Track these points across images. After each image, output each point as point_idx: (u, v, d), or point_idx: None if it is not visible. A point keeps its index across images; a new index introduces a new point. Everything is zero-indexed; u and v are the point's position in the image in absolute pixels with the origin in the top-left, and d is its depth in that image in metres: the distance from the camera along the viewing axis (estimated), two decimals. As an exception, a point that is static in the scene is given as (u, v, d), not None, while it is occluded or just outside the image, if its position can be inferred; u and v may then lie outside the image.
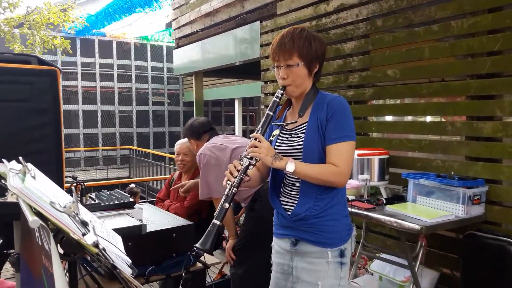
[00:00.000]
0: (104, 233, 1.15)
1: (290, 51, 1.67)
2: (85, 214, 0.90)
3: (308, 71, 1.71)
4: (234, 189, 1.62)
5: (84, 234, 0.74)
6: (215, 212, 1.64)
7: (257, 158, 1.65)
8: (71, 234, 0.77)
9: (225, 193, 1.63)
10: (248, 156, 1.64)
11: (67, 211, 0.76)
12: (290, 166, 1.60)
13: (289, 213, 1.74)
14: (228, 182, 1.64)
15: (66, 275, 1.27)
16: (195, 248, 1.58)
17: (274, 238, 1.90)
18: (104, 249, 0.74)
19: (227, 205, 1.61)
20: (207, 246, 1.55)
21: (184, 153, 3.43)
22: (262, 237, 2.69)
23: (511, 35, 2.44)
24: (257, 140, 1.64)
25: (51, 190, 1.08)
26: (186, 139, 3.53)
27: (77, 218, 0.75)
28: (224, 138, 2.93)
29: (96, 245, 0.72)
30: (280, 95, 1.73)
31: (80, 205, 1.06)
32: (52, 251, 0.83)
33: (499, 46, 2.48)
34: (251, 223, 2.79)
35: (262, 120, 1.73)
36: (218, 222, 1.59)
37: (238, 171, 1.64)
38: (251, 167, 1.65)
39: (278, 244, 1.85)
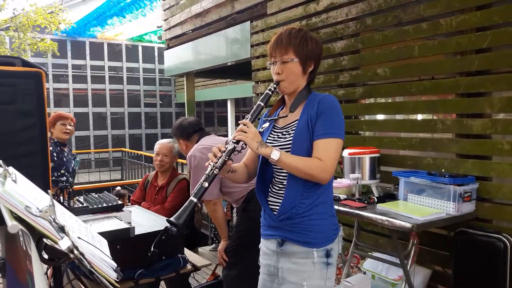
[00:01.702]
0: (89, 237, 1.13)
1: (286, 47, 1.70)
2: (62, 218, 0.88)
3: (302, 69, 1.73)
4: (216, 170, 1.62)
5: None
6: (193, 190, 1.63)
7: (243, 145, 1.65)
8: (49, 239, 0.75)
9: (206, 172, 1.63)
10: (234, 140, 1.64)
11: (43, 215, 0.74)
12: (275, 154, 1.60)
13: (275, 212, 1.73)
14: (211, 163, 1.64)
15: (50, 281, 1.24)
16: (168, 225, 1.55)
17: (261, 239, 1.89)
18: (82, 254, 0.72)
19: (206, 184, 1.61)
20: (180, 221, 1.52)
21: (164, 153, 3.42)
22: (255, 238, 2.67)
23: (499, 32, 2.45)
24: (245, 125, 1.65)
25: (33, 194, 1.05)
26: (167, 140, 3.53)
27: (53, 223, 0.73)
28: (214, 139, 2.92)
29: (71, 250, 0.70)
30: (273, 89, 1.75)
31: (60, 209, 1.03)
32: (32, 255, 0.81)
33: (487, 44, 2.49)
34: (244, 224, 2.78)
35: (252, 110, 1.75)
36: (195, 200, 1.59)
37: (222, 152, 1.64)
38: (235, 152, 1.65)
39: (265, 245, 1.85)
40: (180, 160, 10.72)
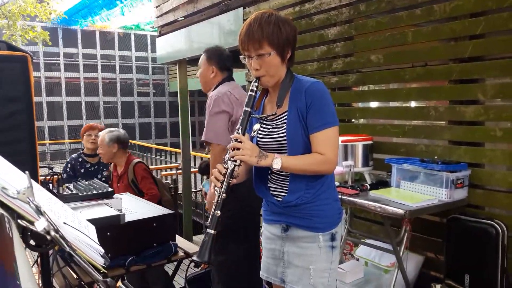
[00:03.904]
0: (75, 222, 1.11)
1: (259, 40, 1.60)
2: (48, 200, 0.86)
3: (281, 59, 1.65)
4: (223, 195, 1.58)
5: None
6: (208, 222, 1.59)
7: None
8: (25, 221, 0.73)
9: (215, 201, 1.58)
10: (232, 159, 1.59)
11: (20, 197, 0.72)
12: (277, 163, 1.57)
13: (279, 199, 1.72)
14: (216, 188, 1.60)
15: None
16: (193, 262, 1.55)
17: (263, 224, 1.88)
18: (62, 237, 0.71)
19: (218, 212, 1.56)
20: (205, 258, 1.51)
21: (100, 147, 3.43)
22: (241, 221, 2.64)
23: (493, 18, 2.43)
24: (238, 140, 1.59)
25: (17, 179, 1.03)
26: (101, 133, 3.47)
27: (31, 205, 0.71)
28: (234, 89, 2.77)
29: (47, 231, 0.68)
30: (255, 88, 1.68)
31: (46, 195, 1.01)
32: (15, 241, 0.79)
33: (481, 30, 2.47)
34: (230, 204, 2.70)
35: (241, 118, 1.67)
36: (212, 232, 1.55)
37: (224, 175, 1.59)
38: (236, 168, 1.60)
39: (268, 230, 1.84)
40: (159, 146, 10.69)
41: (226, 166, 1.60)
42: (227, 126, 2.63)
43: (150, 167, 9.86)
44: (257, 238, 3.03)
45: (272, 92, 1.78)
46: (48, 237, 0.67)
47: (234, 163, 1.59)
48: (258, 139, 1.74)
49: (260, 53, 1.61)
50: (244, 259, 2.52)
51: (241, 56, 1.70)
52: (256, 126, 1.76)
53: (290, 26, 1.66)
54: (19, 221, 0.70)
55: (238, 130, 1.64)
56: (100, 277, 0.72)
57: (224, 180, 1.58)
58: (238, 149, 1.58)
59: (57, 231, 0.70)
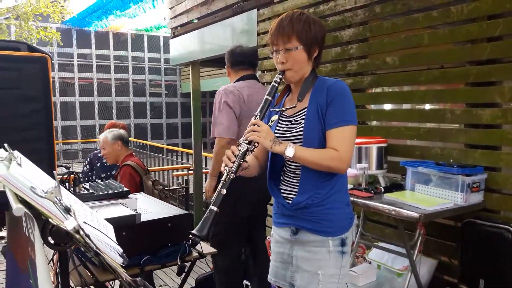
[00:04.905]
0: (95, 222, 1.12)
1: (288, 34, 1.64)
2: (68, 200, 0.87)
3: (307, 55, 1.68)
4: (232, 174, 1.58)
5: (70, 221, 0.72)
6: (212, 198, 1.60)
7: (255, 144, 1.62)
8: (54, 220, 0.74)
9: (223, 179, 1.60)
10: (247, 141, 1.60)
11: (48, 196, 0.73)
12: (290, 150, 1.57)
13: (290, 202, 1.71)
14: (226, 167, 1.61)
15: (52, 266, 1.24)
16: (191, 235, 1.55)
17: (273, 227, 1.88)
18: (88, 236, 0.71)
19: (224, 191, 1.57)
20: (203, 233, 1.52)
21: (102, 147, 3.49)
22: (235, 219, 2.61)
23: (512, 20, 2.40)
24: (256, 125, 1.61)
25: (39, 178, 1.04)
26: (103, 134, 3.54)
27: (59, 204, 0.72)
28: (243, 96, 2.79)
29: (77, 230, 0.69)
30: (279, 80, 1.71)
31: (66, 194, 1.02)
32: (35, 240, 0.80)
33: (499, 32, 2.44)
34: (238, 204, 2.64)
35: (261, 105, 1.70)
36: (215, 209, 1.55)
37: (236, 156, 1.60)
38: (249, 152, 1.62)
39: (278, 233, 1.83)
40: (170, 147, 10.74)
41: (239, 148, 1.61)
42: (232, 120, 2.65)
43: (161, 167, 9.87)
44: (263, 240, 3.03)
45: (294, 91, 1.79)
46: (78, 236, 0.68)
47: (248, 145, 1.60)
48: (276, 134, 1.75)
49: (287, 47, 1.65)
50: (249, 260, 2.52)
51: (270, 51, 1.74)
52: (274, 117, 1.78)
53: (320, 26, 1.71)
54: (50, 220, 0.71)
55: (256, 116, 1.66)
56: (128, 276, 0.72)
57: (235, 161, 1.59)
58: (255, 131, 1.60)
59: (83, 230, 0.70)
